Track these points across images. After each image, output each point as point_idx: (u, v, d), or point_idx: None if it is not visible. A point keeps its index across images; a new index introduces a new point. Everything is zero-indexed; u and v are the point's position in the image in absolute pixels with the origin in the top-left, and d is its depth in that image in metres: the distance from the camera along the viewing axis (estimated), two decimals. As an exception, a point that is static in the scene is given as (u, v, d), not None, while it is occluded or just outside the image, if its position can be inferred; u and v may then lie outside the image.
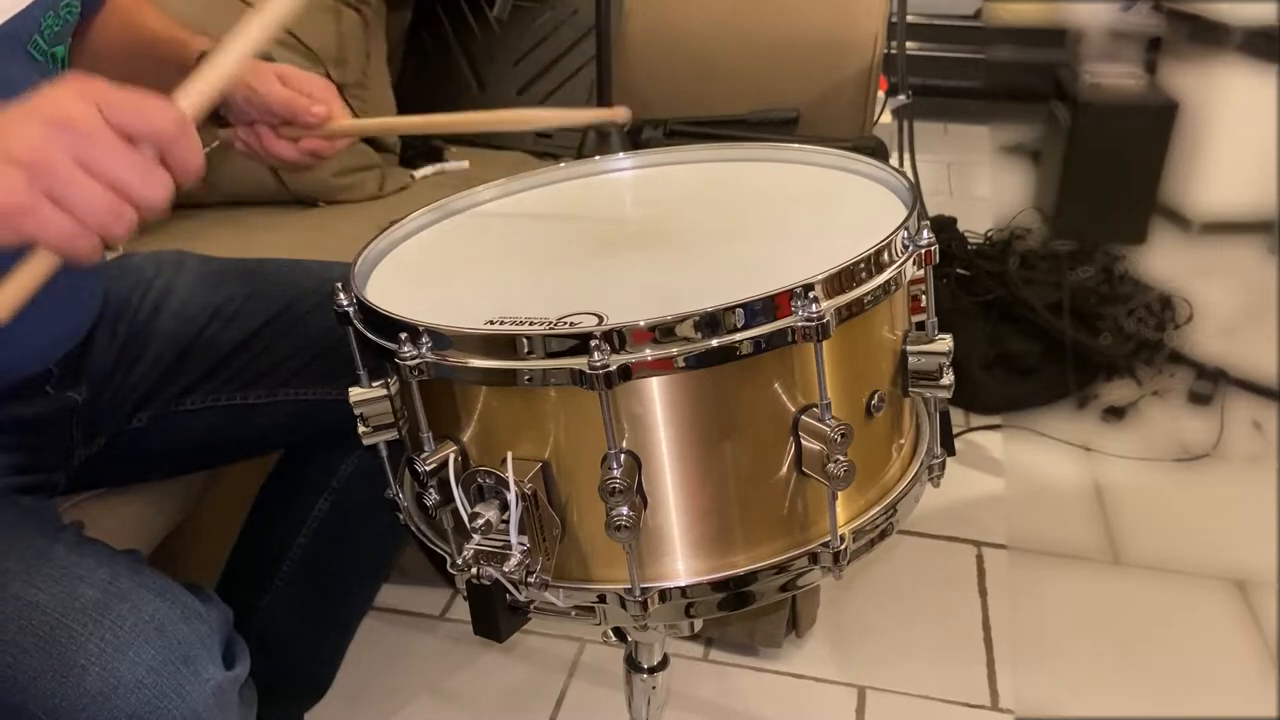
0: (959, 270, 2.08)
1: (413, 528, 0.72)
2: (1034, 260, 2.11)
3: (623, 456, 0.58)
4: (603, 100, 1.37)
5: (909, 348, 0.66)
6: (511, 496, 0.59)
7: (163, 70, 0.89)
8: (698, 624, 0.73)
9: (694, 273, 0.69)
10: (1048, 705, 1.30)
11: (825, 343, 0.58)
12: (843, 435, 0.59)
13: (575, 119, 0.84)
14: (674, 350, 0.56)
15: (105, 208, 0.53)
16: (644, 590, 0.62)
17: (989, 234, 2.25)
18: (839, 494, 0.63)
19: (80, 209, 0.53)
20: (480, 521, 0.60)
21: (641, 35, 1.49)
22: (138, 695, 0.63)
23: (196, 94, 0.60)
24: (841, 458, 0.59)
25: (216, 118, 0.89)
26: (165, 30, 0.92)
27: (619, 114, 0.83)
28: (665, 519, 0.61)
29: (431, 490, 0.63)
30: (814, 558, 0.64)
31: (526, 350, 0.57)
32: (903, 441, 0.70)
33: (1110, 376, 1.98)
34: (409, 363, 0.59)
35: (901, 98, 1.99)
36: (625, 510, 0.58)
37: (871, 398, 0.64)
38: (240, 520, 1.08)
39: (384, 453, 0.72)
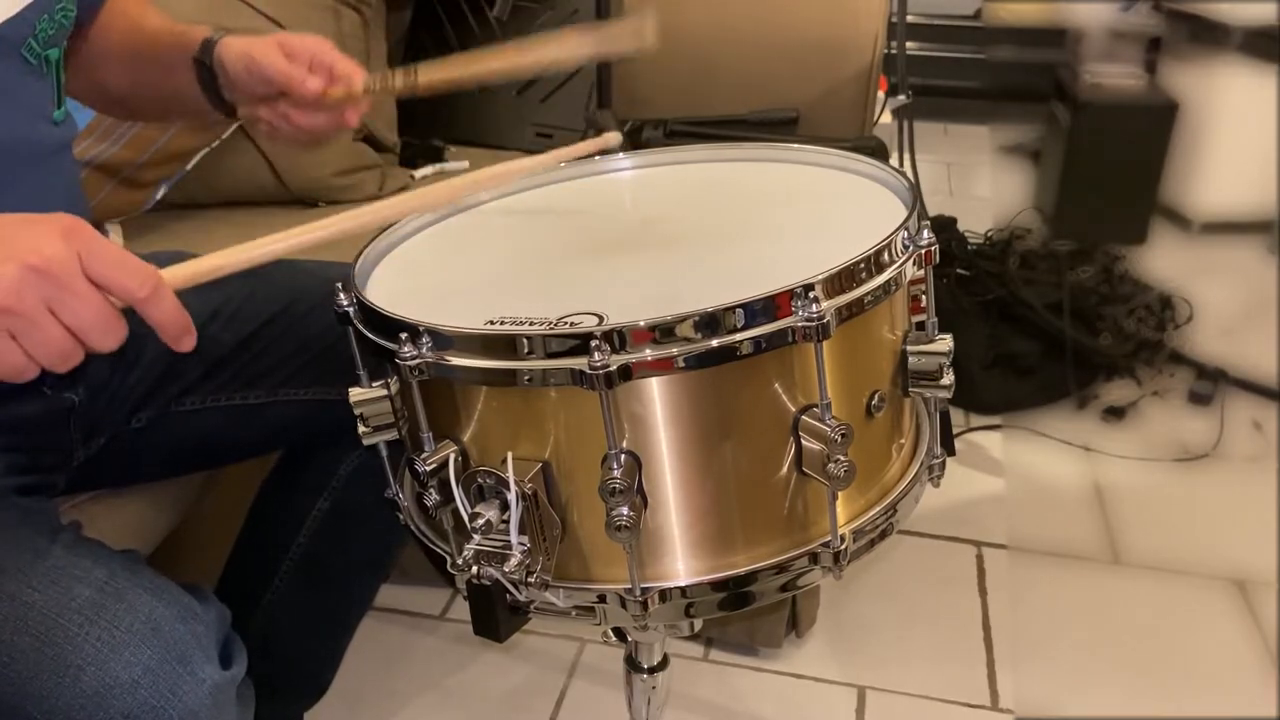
0: (959, 270, 2.08)
1: (413, 528, 0.72)
2: (1034, 260, 2.11)
3: (623, 456, 0.58)
4: (602, 100, 1.37)
5: (909, 348, 0.66)
6: (511, 496, 0.59)
7: (166, 66, 0.90)
8: (698, 624, 0.73)
9: (694, 273, 0.69)
10: (1048, 705, 1.30)
11: (825, 343, 0.58)
12: (843, 435, 0.59)
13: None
14: (674, 350, 0.56)
15: (59, 350, 0.56)
16: (644, 590, 0.62)
17: (989, 234, 2.25)
18: (839, 494, 0.63)
19: (35, 349, 0.55)
20: (480, 521, 0.60)
21: (641, 35, 1.48)
22: (134, 695, 0.63)
23: (187, 270, 0.62)
24: (842, 458, 0.59)
25: (225, 106, 0.89)
26: (166, 27, 0.92)
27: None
28: (665, 519, 0.61)
29: (431, 490, 0.63)
30: (814, 558, 0.64)
31: (526, 350, 0.57)
32: (903, 441, 0.70)
33: (1110, 376, 1.98)
34: (409, 363, 0.59)
35: (901, 98, 1.99)
36: (625, 510, 0.58)
37: (872, 398, 0.64)
38: (240, 520, 1.08)
39: (384, 453, 0.72)
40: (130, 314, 0.59)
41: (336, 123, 0.87)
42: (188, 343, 0.60)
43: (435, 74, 0.86)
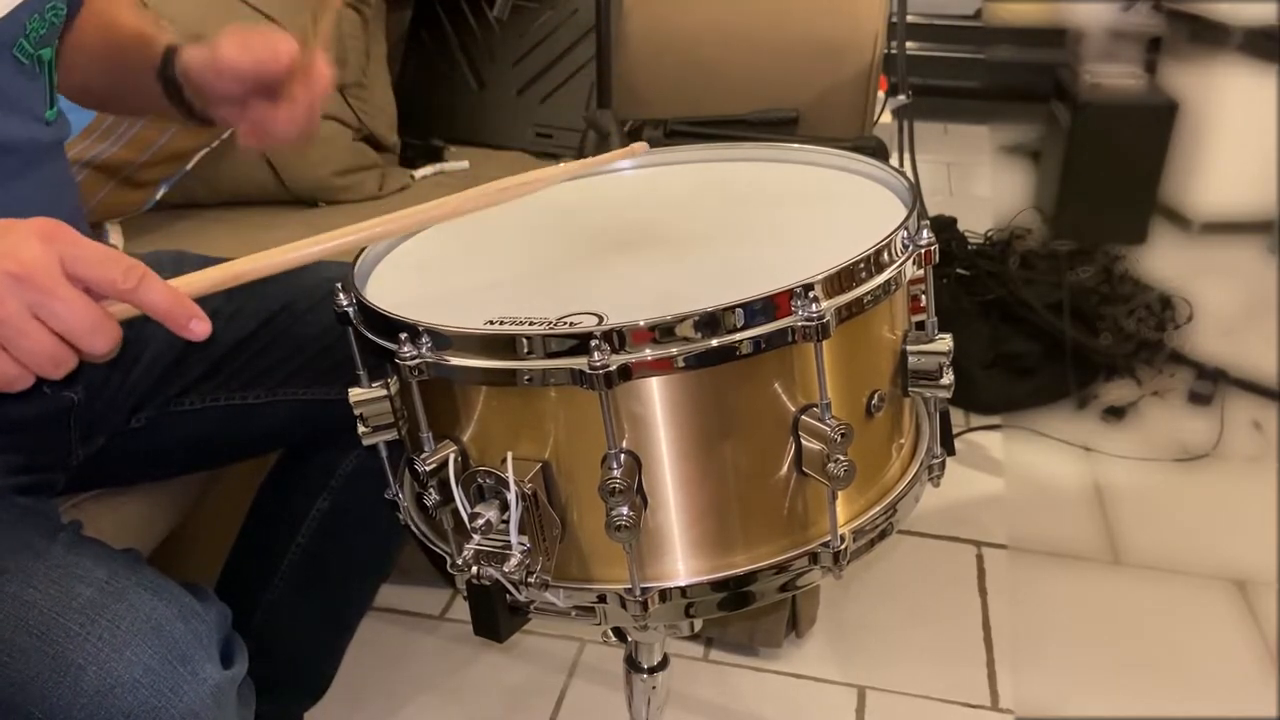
0: (959, 270, 2.08)
1: (413, 528, 0.72)
2: (1034, 260, 2.11)
3: (623, 456, 0.58)
4: (602, 100, 1.37)
5: (909, 347, 0.66)
6: (511, 496, 0.59)
7: (135, 71, 0.87)
8: (698, 624, 0.73)
9: (694, 273, 0.69)
10: (1048, 705, 1.30)
11: (825, 342, 0.58)
12: (843, 435, 0.59)
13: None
14: (674, 350, 0.56)
15: (49, 356, 0.55)
16: (644, 590, 0.62)
17: (989, 234, 2.25)
18: (839, 494, 0.63)
19: (25, 356, 0.55)
20: (480, 521, 0.60)
21: (641, 35, 1.49)
22: (135, 695, 0.63)
23: (210, 277, 0.62)
24: (841, 457, 0.59)
25: (196, 118, 0.87)
26: (134, 27, 0.89)
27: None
28: (665, 519, 0.61)
29: (431, 490, 0.63)
30: (814, 558, 0.64)
31: (526, 350, 0.57)
32: (903, 441, 0.70)
33: (1110, 376, 1.98)
34: (409, 363, 0.59)
35: (901, 98, 1.99)
36: (625, 510, 0.58)
37: (871, 397, 0.64)
38: (240, 520, 1.08)
39: (384, 453, 0.72)
40: (137, 319, 0.59)
41: (311, 113, 0.83)
42: (200, 328, 0.59)
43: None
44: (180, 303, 0.58)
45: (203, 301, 0.93)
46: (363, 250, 0.75)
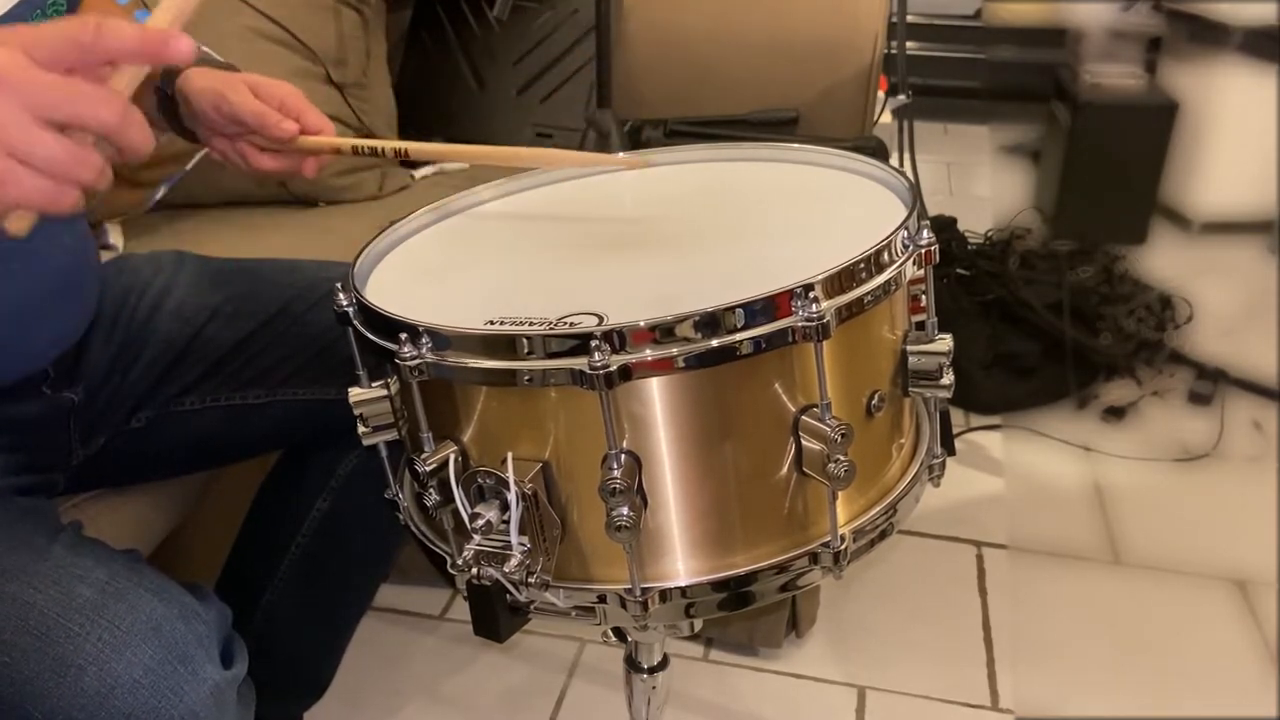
0: (959, 270, 2.08)
1: (413, 528, 0.72)
2: (1034, 260, 2.11)
3: (623, 457, 0.58)
4: (602, 100, 1.37)
5: (909, 347, 0.66)
6: (512, 497, 0.59)
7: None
8: (698, 624, 0.73)
9: (694, 273, 0.69)
10: (1048, 705, 1.30)
11: (825, 343, 0.58)
12: (843, 435, 0.59)
13: (599, 161, 0.84)
14: (674, 350, 0.56)
15: (69, 155, 0.51)
16: (644, 590, 0.62)
17: (989, 234, 2.25)
18: (839, 494, 0.63)
19: (45, 162, 0.51)
20: (480, 522, 0.60)
21: (641, 35, 1.49)
22: (135, 695, 0.63)
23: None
24: (842, 457, 0.59)
25: (186, 133, 0.88)
26: None
27: (638, 164, 0.85)
28: (665, 519, 0.61)
29: (431, 490, 0.63)
30: (814, 558, 0.64)
31: (526, 350, 0.57)
32: (903, 441, 0.70)
33: (1110, 376, 1.98)
34: (409, 363, 0.59)
35: (901, 98, 1.99)
36: (625, 510, 0.58)
37: (871, 398, 0.64)
38: (240, 520, 1.08)
39: (384, 453, 0.72)
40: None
41: (291, 169, 0.85)
42: (179, 45, 0.53)
43: (424, 150, 0.86)
44: (149, 34, 0.53)
45: (202, 302, 0.93)
46: (363, 251, 0.75)
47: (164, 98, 0.85)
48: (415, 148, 0.83)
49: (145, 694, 0.63)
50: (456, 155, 0.80)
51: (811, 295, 0.57)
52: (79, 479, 0.90)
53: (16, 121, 0.50)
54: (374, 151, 0.81)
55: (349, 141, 0.82)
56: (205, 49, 0.90)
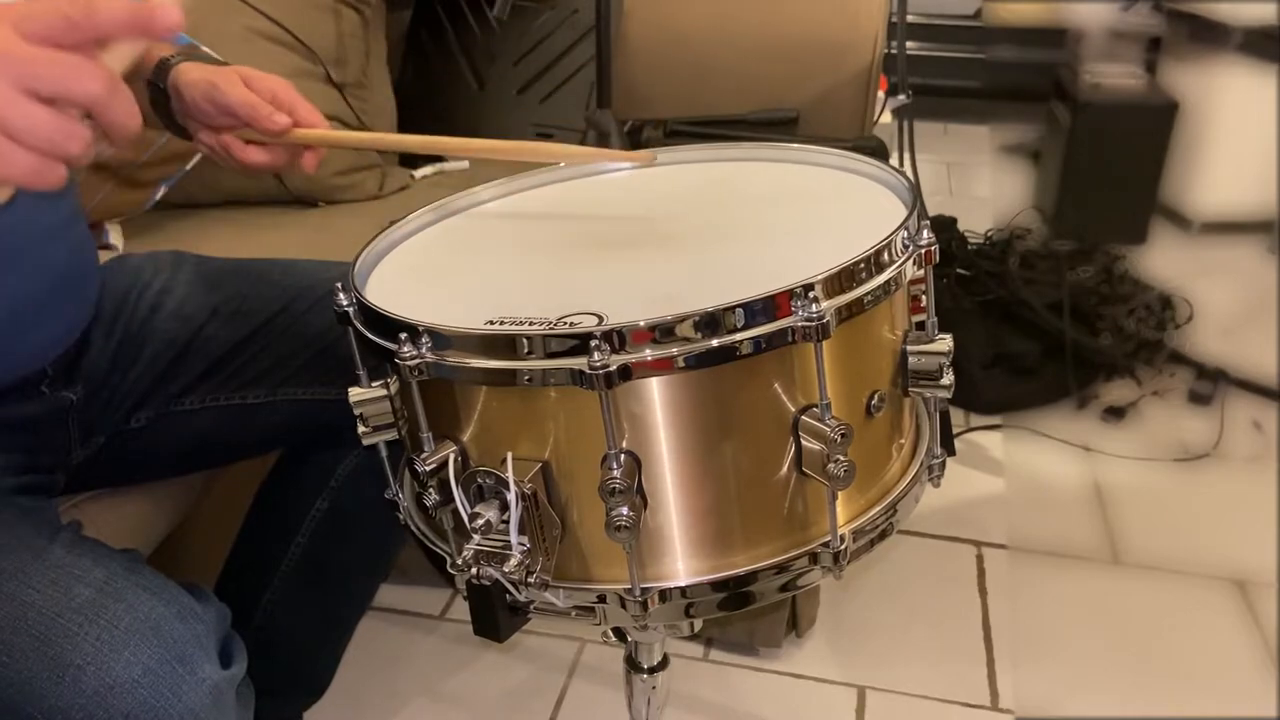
0: (959, 270, 2.08)
1: (412, 528, 0.72)
2: (1034, 260, 2.11)
3: (623, 456, 0.58)
4: (602, 100, 1.37)
5: (909, 347, 0.66)
6: (511, 496, 0.59)
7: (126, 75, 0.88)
8: (698, 624, 0.73)
9: (694, 272, 0.69)
10: (1048, 705, 1.30)
11: (825, 343, 0.57)
12: (843, 435, 0.59)
13: (601, 157, 0.83)
14: (674, 350, 0.56)
15: (56, 127, 0.51)
16: (644, 590, 0.62)
17: (989, 234, 2.25)
18: (839, 494, 0.63)
19: (31, 136, 0.51)
20: (480, 521, 0.60)
21: (641, 35, 1.49)
22: (133, 695, 0.63)
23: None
24: (841, 457, 0.59)
25: (178, 129, 0.88)
26: None
27: (645, 157, 0.84)
28: (665, 519, 0.61)
29: (431, 490, 0.63)
30: (814, 558, 0.64)
31: (526, 350, 0.57)
32: (903, 441, 0.70)
33: (1110, 376, 1.98)
34: (409, 363, 0.59)
35: (901, 98, 1.99)
36: (625, 510, 0.58)
37: (871, 398, 0.64)
38: (240, 520, 1.08)
39: (384, 453, 0.72)
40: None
41: (285, 162, 0.84)
42: (168, 15, 0.53)
43: (419, 143, 0.84)
44: (139, 7, 0.53)
45: (202, 301, 0.93)
46: (363, 251, 0.75)
47: (156, 91, 0.85)
48: (409, 140, 0.82)
49: (144, 694, 0.63)
50: (457, 148, 0.79)
51: (811, 295, 0.57)
52: (78, 479, 0.90)
53: (3, 96, 0.50)
54: (369, 150, 0.80)
55: (342, 135, 0.81)
56: (199, 45, 0.90)
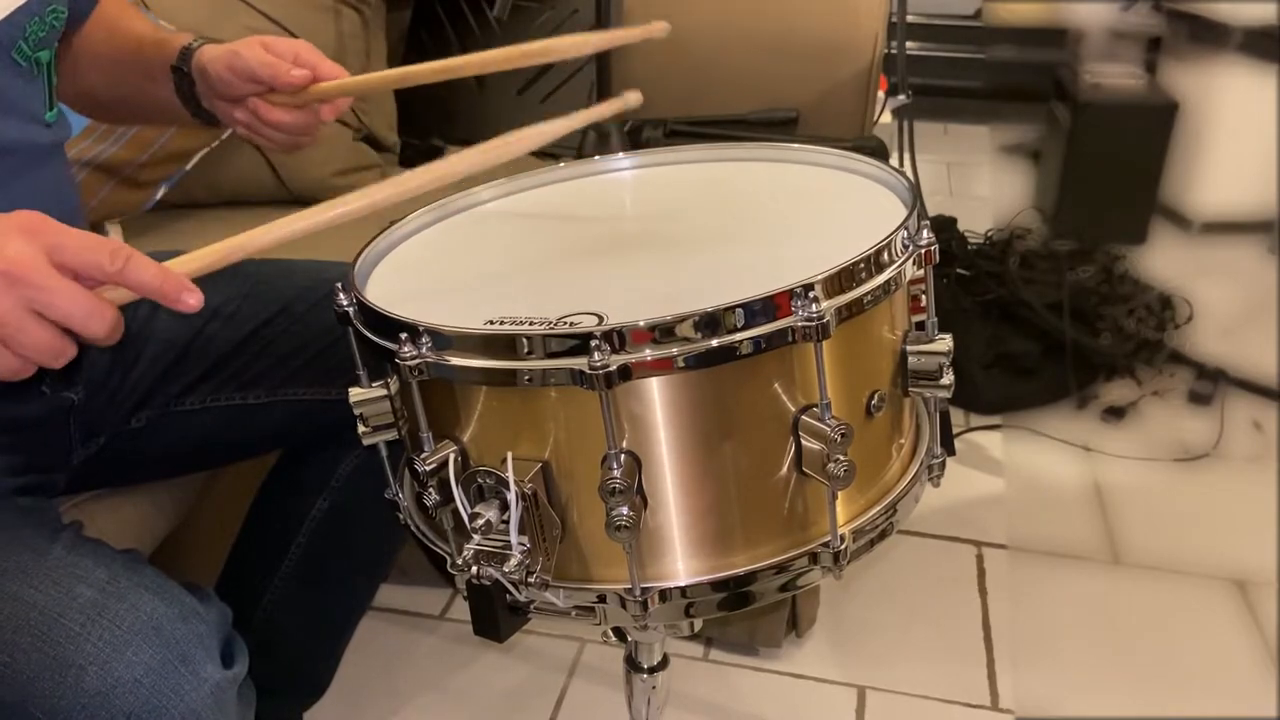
0: (959, 270, 2.08)
1: (412, 528, 0.72)
2: (1034, 260, 2.11)
3: (623, 456, 0.58)
4: (603, 99, 1.37)
5: (909, 347, 0.66)
6: (511, 496, 0.59)
7: (147, 73, 0.90)
8: (698, 624, 0.73)
9: (694, 273, 0.69)
10: (1048, 705, 1.30)
11: (825, 343, 0.58)
12: (843, 435, 0.59)
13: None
14: (674, 350, 0.56)
15: (49, 348, 0.56)
16: (644, 590, 0.62)
17: (989, 234, 2.25)
18: (839, 494, 0.63)
19: (26, 351, 0.55)
20: (480, 521, 0.60)
21: (641, 35, 1.49)
22: (136, 695, 0.63)
23: (203, 258, 0.62)
24: (841, 457, 0.59)
25: (205, 115, 0.89)
26: (150, 33, 0.92)
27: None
28: (665, 519, 0.61)
29: (431, 490, 0.63)
30: (814, 558, 0.64)
31: (526, 350, 0.57)
32: (903, 441, 0.70)
33: (1110, 376, 1.98)
34: (409, 363, 0.59)
35: (901, 98, 1.99)
36: (625, 510, 0.58)
37: (871, 398, 0.64)
38: (240, 520, 1.08)
39: (384, 453, 0.72)
40: (129, 317, 0.59)
41: (312, 120, 0.86)
42: (191, 300, 0.59)
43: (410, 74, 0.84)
44: (169, 279, 0.58)
45: (203, 299, 0.93)
46: (363, 251, 0.75)
47: (181, 76, 0.86)
48: (420, 71, 0.81)
49: (146, 693, 0.63)
50: (470, 65, 0.79)
51: (811, 295, 0.57)
52: (79, 479, 0.90)
53: (15, 314, 0.54)
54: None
55: (359, 80, 0.82)
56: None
